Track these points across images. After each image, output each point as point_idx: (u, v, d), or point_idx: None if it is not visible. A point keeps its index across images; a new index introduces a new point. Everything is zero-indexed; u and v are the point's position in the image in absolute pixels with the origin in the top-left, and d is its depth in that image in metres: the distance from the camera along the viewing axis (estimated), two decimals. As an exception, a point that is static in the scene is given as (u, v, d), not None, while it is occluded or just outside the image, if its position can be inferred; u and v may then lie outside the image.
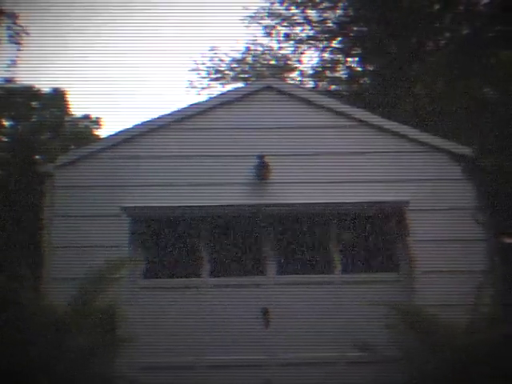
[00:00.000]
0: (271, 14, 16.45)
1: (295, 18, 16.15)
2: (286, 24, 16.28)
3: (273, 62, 17.34)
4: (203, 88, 17.94)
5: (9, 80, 13.26)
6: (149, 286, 6.18)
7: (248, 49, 17.58)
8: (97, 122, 18.55)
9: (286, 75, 16.64)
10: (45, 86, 15.89)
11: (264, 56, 17.55)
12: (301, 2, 15.84)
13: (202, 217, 6.39)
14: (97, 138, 15.42)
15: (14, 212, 9.36)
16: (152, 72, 37.25)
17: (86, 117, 18.18)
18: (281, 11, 16.27)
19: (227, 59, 17.74)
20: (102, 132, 17.82)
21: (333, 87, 15.62)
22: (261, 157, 6.16)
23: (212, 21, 29.97)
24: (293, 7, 16.15)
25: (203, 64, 17.90)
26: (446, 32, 13.05)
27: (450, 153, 6.40)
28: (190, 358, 5.89)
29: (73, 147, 11.27)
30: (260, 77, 14.69)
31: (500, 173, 6.69)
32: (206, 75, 17.90)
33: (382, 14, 13.06)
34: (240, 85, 15.65)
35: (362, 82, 15.08)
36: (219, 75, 17.77)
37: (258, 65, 17.51)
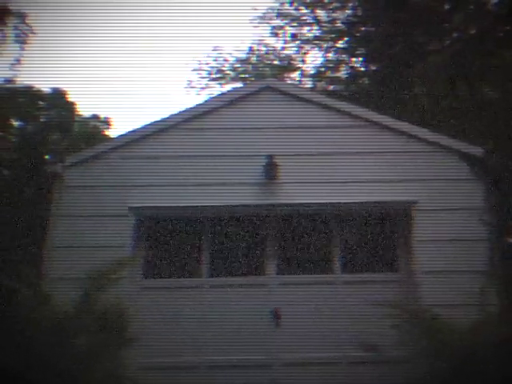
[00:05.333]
0: (280, 15, 16.44)
1: (304, 18, 16.12)
2: (295, 24, 16.26)
3: (276, 62, 17.32)
4: (202, 88, 17.98)
5: (15, 80, 13.33)
6: (154, 286, 6.20)
7: (251, 49, 17.59)
8: (106, 122, 18.61)
9: (287, 75, 16.63)
10: (52, 86, 15.94)
11: (268, 56, 17.53)
12: (310, 2, 15.82)
13: (209, 217, 6.40)
14: (106, 138, 15.47)
15: (21, 211, 9.42)
16: (158, 72, 37.36)
17: (95, 117, 18.24)
18: (289, 11, 16.25)
19: (231, 59, 17.77)
20: (112, 132, 17.89)
21: (331, 87, 15.59)
22: (270, 157, 6.15)
23: (217, 21, 30.05)
24: (302, 7, 16.13)
25: (207, 64, 17.93)
26: (454, 32, 12.96)
27: (457, 152, 6.36)
28: (192, 358, 5.90)
29: (82, 147, 11.31)
30: (261, 77, 14.68)
31: (509, 173, 6.63)
32: (207, 75, 17.91)
33: (391, 13, 13.00)
34: (239, 85, 15.67)
35: (361, 81, 15.03)
36: (219, 75, 17.78)
37: (261, 65, 17.50)
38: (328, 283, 6.20)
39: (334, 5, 15.36)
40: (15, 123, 14.25)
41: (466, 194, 6.17)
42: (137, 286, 6.09)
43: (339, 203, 6.24)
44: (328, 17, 15.58)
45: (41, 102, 14.82)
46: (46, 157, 12.81)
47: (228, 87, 16.81)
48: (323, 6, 15.58)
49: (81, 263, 5.66)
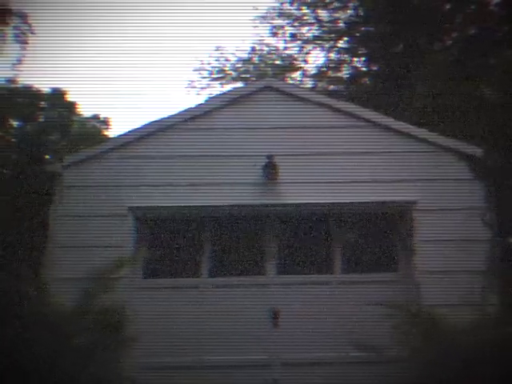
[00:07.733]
0: (281, 14, 16.42)
1: (305, 17, 16.10)
2: (296, 24, 16.23)
3: (278, 62, 17.30)
4: (203, 88, 17.94)
5: (15, 80, 13.34)
6: (153, 286, 6.19)
7: (253, 49, 17.56)
8: (105, 122, 18.62)
9: (288, 75, 16.60)
10: (52, 85, 15.90)
11: (270, 56, 17.52)
12: (311, 2, 15.81)
13: (209, 217, 6.39)
14: (105, 138, 15.47)
15: (21, 211, 9.40)
16: (158, 72, 37.37)
17: (95, 117, 18.25)
18: (290, 11, 16.23)
19: (233, 59, 17.75)
20: (111, 132, 17.89)
21: (331, 87, 15.56)
22: (270, 157, 6.14)
23: (218, 20, 29.99)
24: (303, 7, 16.12)
25: (209, 64, 17.90)
26: (454, 32, 12.95)
27: (457, 152, 6.35)
28: (192, 358, 5.88)
29: (81, 147, 11.32)
30: (263, 77, 14.66)
31: (508, 173, 6.62)
32: (208, 75, 17.87)
33: (392, 13, 12.98)
34: (240, 85, 15.65)
35: (363, 82, 15.01)
36: (220, 75, 17.74)
37: (263, 65, 17.48)
38: (328, 283, 6.20)
39: (335, 4, 15.34)
40: (14, 123, 14.25)
41: (466, 194, 6.15)
42: (136, 286, 6.08)
43: (339, 203, 6.23)
44: (330, 16, 15.56)
45: (41, 102, 14.81)
46: (46, 156, 12.81)
47: (228, 87, 16.78)
48: (324, 6, 15.56)
49: (80, 263, 5.66)
